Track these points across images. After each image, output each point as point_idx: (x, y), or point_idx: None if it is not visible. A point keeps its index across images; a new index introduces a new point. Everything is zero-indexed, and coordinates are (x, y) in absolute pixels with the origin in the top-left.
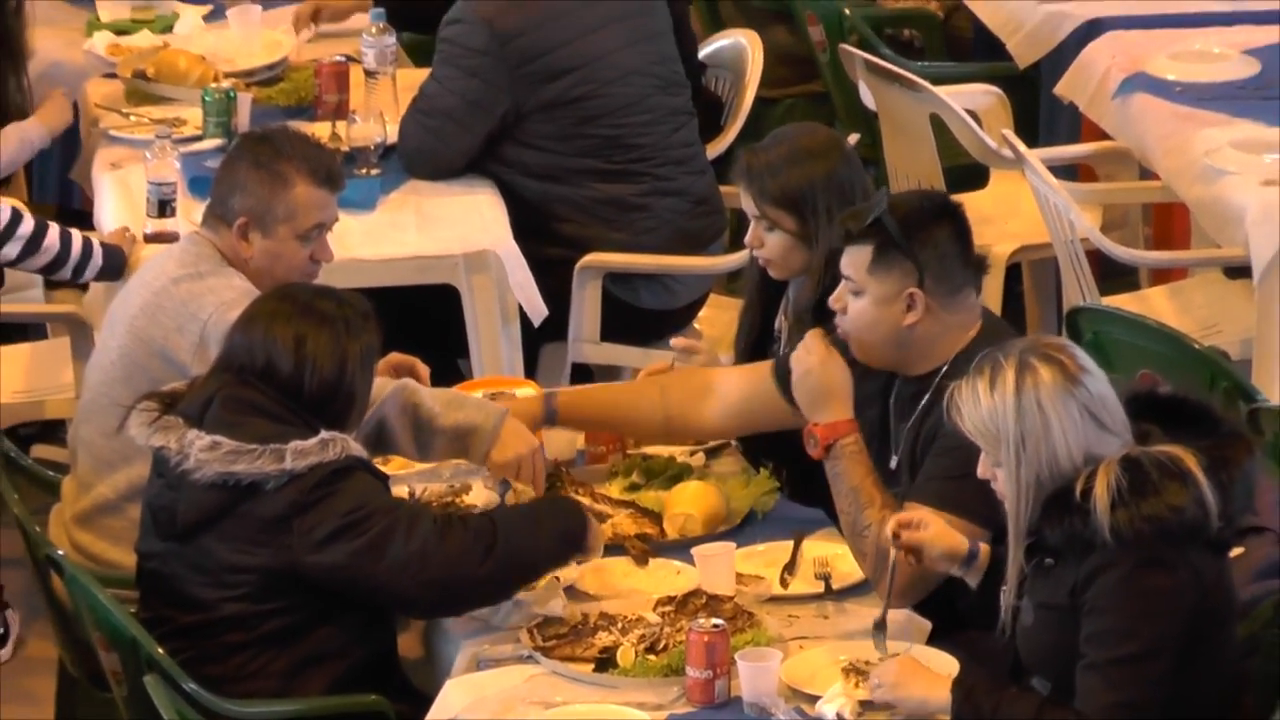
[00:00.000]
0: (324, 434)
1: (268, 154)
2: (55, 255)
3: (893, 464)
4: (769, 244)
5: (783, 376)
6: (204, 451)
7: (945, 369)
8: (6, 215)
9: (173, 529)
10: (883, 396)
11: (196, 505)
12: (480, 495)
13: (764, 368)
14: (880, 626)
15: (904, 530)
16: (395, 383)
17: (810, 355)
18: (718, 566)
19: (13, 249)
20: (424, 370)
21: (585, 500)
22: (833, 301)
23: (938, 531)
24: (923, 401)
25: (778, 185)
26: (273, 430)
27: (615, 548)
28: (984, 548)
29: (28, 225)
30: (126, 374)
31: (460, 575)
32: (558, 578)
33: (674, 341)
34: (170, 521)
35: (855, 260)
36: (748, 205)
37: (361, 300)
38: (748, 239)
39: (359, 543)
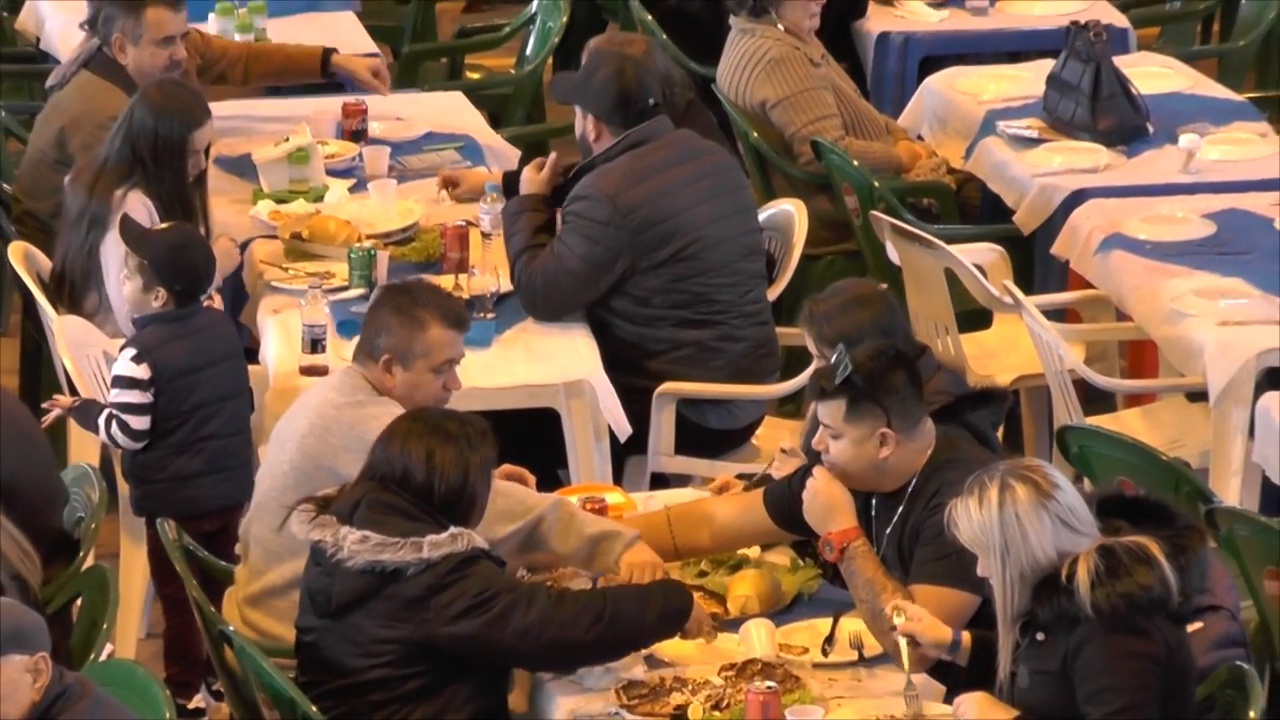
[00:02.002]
0: (452, 529)
1: (406, 302)
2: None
3: None
4: None
5: (773, 504)
6: (355, 544)
7: (914, 481)
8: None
9: (328, 608)
10: (864, 512)
11: (348, 588)
12: (577, 580)
13: (755, 496)
14: (910, 688)
15: (905, 623)
16: (554, 496)
17: (816, 481)
18: (763, 639)
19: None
20: (530, 479)
21: None
22: (815, 444)
23: (928, 625)
24: (899, 510)
25: (833, 329)
26: (410, 527)
27: None
28: (965, 636)
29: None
30: (296, 482)
31: (570, 639)
32: None
33: (783, 446)
34: (326, 602)
35: (831, 411)
36: (810, 344)
37: (480, 420)
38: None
39: (489, 615)
